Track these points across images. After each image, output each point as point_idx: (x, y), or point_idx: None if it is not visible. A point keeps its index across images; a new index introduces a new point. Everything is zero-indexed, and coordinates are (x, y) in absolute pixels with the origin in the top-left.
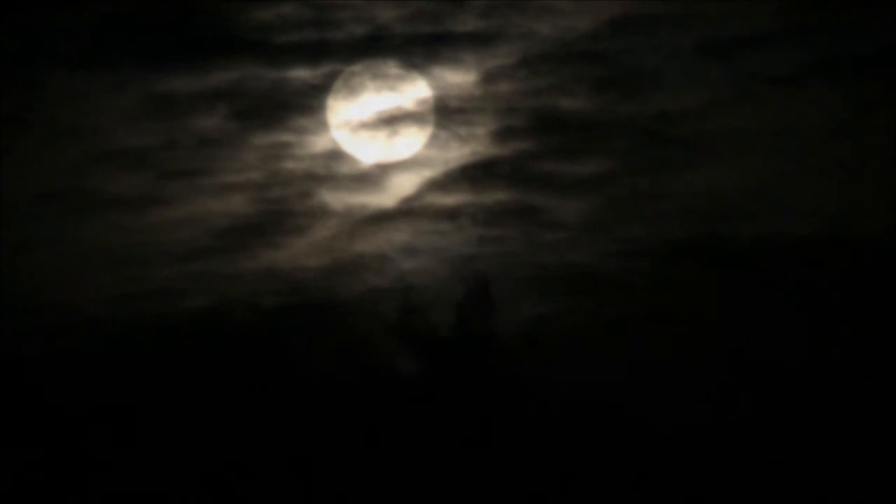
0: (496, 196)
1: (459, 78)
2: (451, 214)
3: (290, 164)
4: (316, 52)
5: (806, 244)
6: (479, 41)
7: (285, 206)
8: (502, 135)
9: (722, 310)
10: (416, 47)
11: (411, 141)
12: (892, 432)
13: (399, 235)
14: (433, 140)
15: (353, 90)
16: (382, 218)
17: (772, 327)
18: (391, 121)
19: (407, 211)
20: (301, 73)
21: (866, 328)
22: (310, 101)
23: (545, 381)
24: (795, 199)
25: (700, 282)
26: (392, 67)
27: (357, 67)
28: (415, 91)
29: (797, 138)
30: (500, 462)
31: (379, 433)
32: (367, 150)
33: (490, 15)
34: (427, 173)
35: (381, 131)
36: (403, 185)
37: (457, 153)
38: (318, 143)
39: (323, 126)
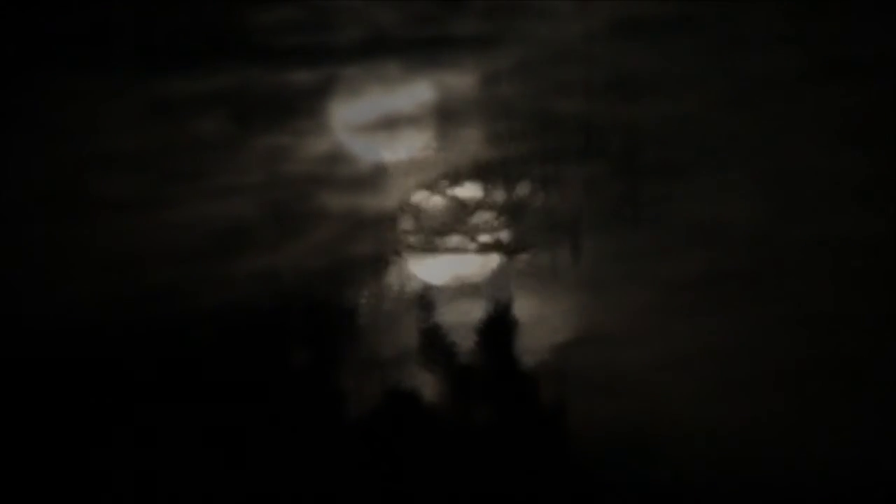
0: (496, 198)
1: (459, 80)
2: (451, 216)
3: (289, 167)
4: (316, 55)
5: (806, 244)
6: (479, 44)
7: (285, 208)
8: (502, 137)
9: (723, 310)
10: (415, 50)
11: (411, 143)
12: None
13: (399, 237)
14: (433, 142)
15: (352, 93)
16: (382, 220)
17: (772, 329)
18: (391, 123)
19: (407, 213)
20: (301, 76)
21: (867, 331)
22: (309, 104)
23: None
24: (796, 201)
25: (701, 282)
26: (392, 70)
27: (357, 70)
28: (414, 93)
29: (798, 141)
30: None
31: (393, 456)
32: (367, 152)
33: (490, 18)
34: (427, 175)
35: (380, 133)
36: (403, 187)
37: (457, 155)
38: (318, 146)
39: (323, 128)
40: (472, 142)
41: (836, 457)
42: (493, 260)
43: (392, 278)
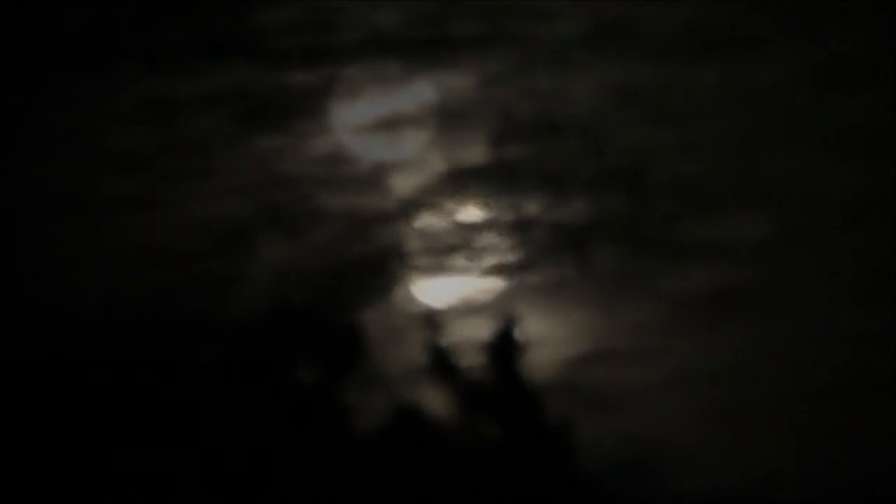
0: (496, 199)
1: (459, 81)
2: (456, 234)
3: (289, 167)
4: (315, 56)
5: (814, 262)
6: (478, 44)
7: (285, 208)
8: (502, 138)
9: (730, 329)
10: (415, 50)
11: (411, 144)
12: None
13: (398, 238)
14: (433, 143)
15: (352, 93)
16: (382, 220)
17: (780, 348)
18: (391, 124)
19: (406, 214)
20: (300, 77)
21: (878, 350)
22: (309, 105)
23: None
24: (803, 218)
25: (709, 299)
26: (392, 70)
27: (357, 70)
28: (414, 93)
29: (804, 155)
30: None
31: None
32: (367, 152)
33: (490, 18)
34: (426, 176)
35: (380, 134)
36: (403, 188)
37: (456, 156)
38: (318, 146)
39: (322, 129)
40: (472, 144)
41: (846, 478)
42: (499, 278)
43: (396, 290)
